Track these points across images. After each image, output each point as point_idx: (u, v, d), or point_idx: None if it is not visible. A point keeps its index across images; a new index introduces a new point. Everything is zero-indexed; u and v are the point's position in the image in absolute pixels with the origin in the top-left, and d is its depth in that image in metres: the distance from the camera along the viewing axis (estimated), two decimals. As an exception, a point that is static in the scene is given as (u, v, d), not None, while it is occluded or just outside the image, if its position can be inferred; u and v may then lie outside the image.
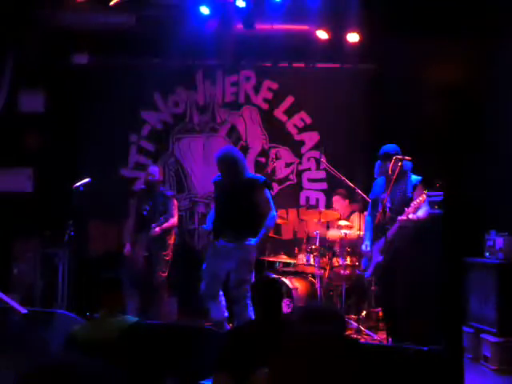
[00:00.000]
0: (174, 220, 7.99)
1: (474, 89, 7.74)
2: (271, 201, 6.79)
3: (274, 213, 6.80)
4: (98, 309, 4.42)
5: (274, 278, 4.59)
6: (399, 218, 6.40)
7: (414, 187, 6.59)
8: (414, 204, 6.40)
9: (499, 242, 6.68)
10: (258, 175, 7.11)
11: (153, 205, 7.83)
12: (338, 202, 8.61)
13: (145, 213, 7.75)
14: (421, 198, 6.40)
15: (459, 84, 7.89)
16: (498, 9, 7.42)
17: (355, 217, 8.37)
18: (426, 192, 6.48)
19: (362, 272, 7.30)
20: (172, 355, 4.64)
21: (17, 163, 9.10)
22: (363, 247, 6.84)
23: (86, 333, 4.24)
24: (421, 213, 6.48)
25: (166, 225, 7.84)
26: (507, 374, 6.18)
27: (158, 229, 7.76)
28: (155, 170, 8.09)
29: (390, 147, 6.69)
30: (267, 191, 6.81)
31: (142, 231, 7.82)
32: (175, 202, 8.13)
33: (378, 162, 6.79)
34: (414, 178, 6.64)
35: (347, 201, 8.59)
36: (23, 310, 5.58)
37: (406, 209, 6.40)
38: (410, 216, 6.36)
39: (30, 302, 7.84)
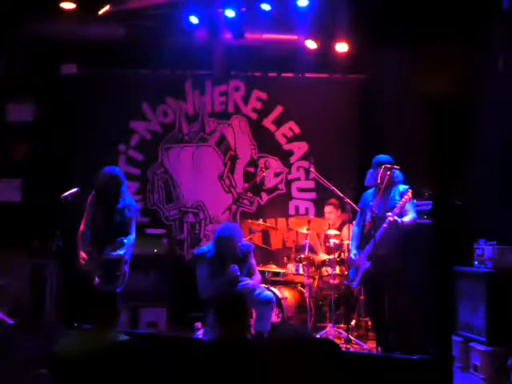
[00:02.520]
0: (132, 237, 7.05)
1: (462, 99, 7.76)
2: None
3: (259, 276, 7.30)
4: (89, 322, 4.34)
5: (239, 295, 4.41)
6: (386, 220, 6.43)
7: (401, 197, 6.63)
8: (399, 204, 6.45)
9: (488, 251, 6.69)
10: (246, 243, 7.35)
11: (107, 218, 6.97)
12: (331, 212, 8.59)
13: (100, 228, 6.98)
14: (406, 197, 6.47)
15: (447, 94, 7.92)
16: (487, 20, 7.46)
17: (346, 228, 8.36)
18: (410, 191, 6.52)
19: (349, 283, 7.29)
20: (161, 369, 4.60)
21: (5, 173, 9.06)
22: (351, 256, 6.86)
23: (74, 347, 4.17)
24: (407, 218, 6.54)
25: (125, 249, 6.96)
26: (496, 383, 6.17)
27: (115, 254, 6.88)
28: (110, 170, 7.18)
29: (382, 157, 6.76)
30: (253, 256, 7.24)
31: (95, 247, 6.99)
32: (134, 215, 7.11)
33: (370, 170, 6.83)
34: (402, 187, 6.70)
35: (339, 211, 8.58)
36: (11, 322, 5.55)
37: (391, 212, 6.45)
38: (396, 218, 6.40)
39: (18, 314, 7.78)
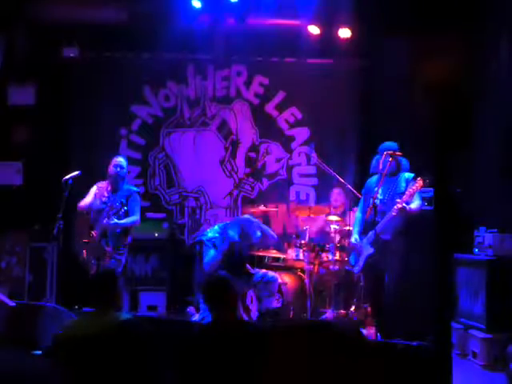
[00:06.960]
0: (136, 218, 7.17)
1: (464, 86, 7.75)
2: None
3: None
4: (91, 305, 4.31)
5: (224, 277, 4.40)
6: (394, 207, 6.40)
7: (407, 183, 6.61)
8: (408, 192, 6.41)
9: (488, 238, 6.70)
10: None
11: (112, 199, 7.10)
12: (340, 193, 8.48)
13: (103, 206, 7.08)
14: (417, 184, 6.41)
15: (450, 81, 7.90)
16: (491, 8, 7.44)
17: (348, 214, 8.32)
18: (421, 180, 6.46)
19: (351, 268, 7.30)
20: (164, 349, 4.60)
21: (7, 156, 9.05)
22: (352, 240, 6.86)
23: (77, 329, 4.16)
24: (414, 205, 6.50)
25: (126, 221, 7.07)
26: (495, 370, 6.19)
27: (113, 221, 6.95)
28: (122, 162, 7.30)
29: (387, 144, 6.73)
30: None
31: (95, 227, 7.08)
32: (138, 198, 7.31)
33: (376, 157, 6.82)
34: (407, 174, 6.67)
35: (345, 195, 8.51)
36: (11, 303, 5.55)
37: (400, 199, 6.42)
38: (405, 204, 6.37)
39: (19, 296, 7.80)
